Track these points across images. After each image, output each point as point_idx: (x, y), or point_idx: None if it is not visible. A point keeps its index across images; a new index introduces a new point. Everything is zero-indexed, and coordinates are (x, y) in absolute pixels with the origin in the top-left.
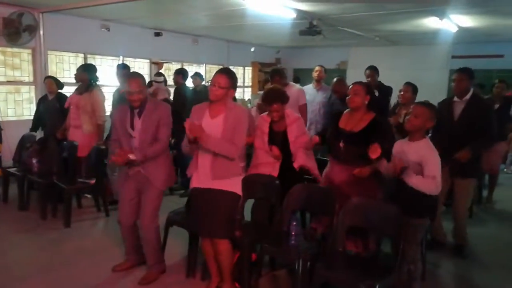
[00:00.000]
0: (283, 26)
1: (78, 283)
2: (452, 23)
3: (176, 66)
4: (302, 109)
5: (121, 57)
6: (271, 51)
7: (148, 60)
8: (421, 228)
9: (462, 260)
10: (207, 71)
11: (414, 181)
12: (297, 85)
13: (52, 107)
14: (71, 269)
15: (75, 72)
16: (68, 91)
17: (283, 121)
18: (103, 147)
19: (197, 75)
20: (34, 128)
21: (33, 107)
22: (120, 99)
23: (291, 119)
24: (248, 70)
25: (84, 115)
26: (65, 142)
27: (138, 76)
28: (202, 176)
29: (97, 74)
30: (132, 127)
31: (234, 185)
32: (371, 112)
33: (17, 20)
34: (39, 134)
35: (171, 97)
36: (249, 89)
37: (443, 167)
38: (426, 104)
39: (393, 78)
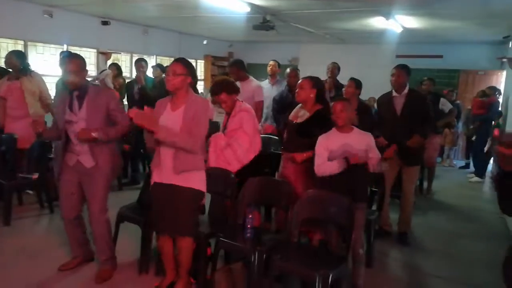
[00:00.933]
0: (237, 20)
1: (20, 285)
2: (397, 23)
3: (124, 56)
4: (258, 106)
5: (65, 46)
6: (224, 45)
7: (95, 50)
8: (364, 212)
9: (407, 247)
10: (158, 62)
11: (375, 161)
12: (256, 81)
13: None
14: (11, 270)
15: (4, 59)
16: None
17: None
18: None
19: (158, 66)
20: None
21: None
22: (64, 88)
23: (236, 110)
24: (201, 63)
25: (30, 98)
26: (2, 135)
27: (76, 57)
28: (164, 170)
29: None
30: (73, 111)
31: (197, 181)
32: (319, 104)
33: None
34: None
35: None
36: (202, 83)
37: (391, 159)
38: (343, 99)
39: (342, 75)
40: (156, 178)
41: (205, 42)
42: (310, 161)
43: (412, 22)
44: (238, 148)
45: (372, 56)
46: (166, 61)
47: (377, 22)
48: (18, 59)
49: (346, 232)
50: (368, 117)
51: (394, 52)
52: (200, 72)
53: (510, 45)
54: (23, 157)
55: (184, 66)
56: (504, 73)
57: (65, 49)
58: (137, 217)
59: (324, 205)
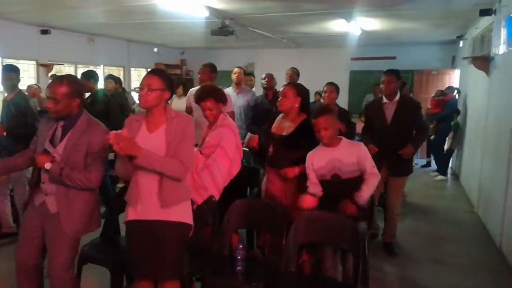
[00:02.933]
0: (192, 26)
1: None
2: (357, 26)
3: (68, 68)
4: (230, 116)
5: (0, 58)
6: (176, 52)
7: (34, 62)
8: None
9: (395, 258)
10: (106, 73)
11: (366, 193)
12: (226, 89)
13: None
14: None
15: None
16: None
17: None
18: None
19: (111, 78)
20: None
21: None
22: (6, 108)
23: (217, 124)
24: None
25: None
26: None
27: (61, 82)
28: (143, 205)
29: None
30: (53, 144)
31: (184, 213)
32: (303, 114)
33: None
34: None
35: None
36: None
37: (379, 169)
38: (326, 112)
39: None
40: (132, 215)
41: (155, 49)
42: (301, 177)
43: (371, 24)
44: (217, 172)
45: (328, 59)
46: (115, 71)
47: (337, 25)
48: None
49: (353, 256)
50: (349, 127)
51: (349, 55)
52: None
53: (461, 44)
54: None
55: (161, 79)
56: (457, 71)
57: (0, 62)
58: (104, 257)
59: (323, 227)
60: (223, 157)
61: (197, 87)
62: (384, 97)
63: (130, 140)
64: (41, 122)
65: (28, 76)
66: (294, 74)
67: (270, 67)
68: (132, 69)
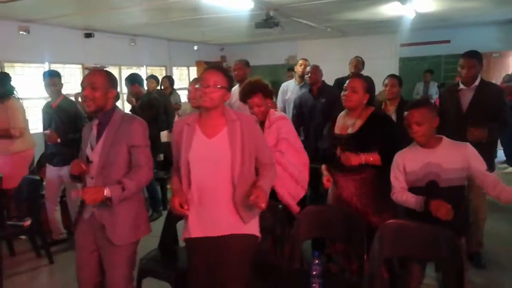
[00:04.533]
0: (235, 19)
1: None
2: (411, 8)
3: (112, 70)
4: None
5: (46, 64)
6: (215, 49)
7: (80, 66)
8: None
9: (483, 270)
10: (148, 73)
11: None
12: (286, 82)
13: None
14: None
15: None
16: None
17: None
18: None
19: (152, 77)
20: None
21: None
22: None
23: (271, 119)
24: (193, 70)
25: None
26: None
27: (100, 71)
28: (214, 220)
29: (12, 84)
30: (92, 147)
31: (254, 223)
32: (369, 107)
33: None
34: None
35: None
36: None
37: None
38: (422, 104)
39: (343, 69)
40: (195, 230)
41: (195, 47)
42: (379, 178)
43: (426, 5)
44: (294, 169)
45: (375, 47)
46: (157, 71)
47: (390, 8)
48: None
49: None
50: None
51: (398, 41)
52: None
53: None
54: (9, 199)
55: (225, 77)
56: None
57: (46, 68)
58: (165, 272)
59: (414, 240)
60: (291, 150)
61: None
62: (460, 83)
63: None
64: (83, 131)
65: (74, 80)
66: (359, 63)
67: (314, 59)
68: (174, 68)
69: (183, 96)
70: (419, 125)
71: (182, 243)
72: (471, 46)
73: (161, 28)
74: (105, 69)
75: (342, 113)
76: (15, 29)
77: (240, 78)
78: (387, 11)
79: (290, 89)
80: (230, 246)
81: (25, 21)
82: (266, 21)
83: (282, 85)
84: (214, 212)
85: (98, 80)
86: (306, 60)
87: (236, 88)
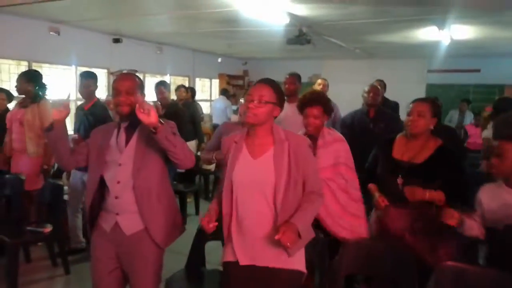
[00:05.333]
0: (264, 34)
1: None
2: (448, 34)
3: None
4: None
5: (73, 66)
6: (238, 63)
7: (105, 70)
8: None
9: None
10: (172, 83)
11: None
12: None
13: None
14: None
15: (16, 83)
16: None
17: (315, 142)
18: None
19: (183, 87)
20: None
21: None
22: (83, 118)
23: (326, 139)
24: (215, 82)
25: (30, 133)
26: (7, 176)
27: (132, 75)
28: (256, 247)
29: (44, 83)
30: (118, 149)
31: (299, 258)
32: (436, 138)
33: None
34: None
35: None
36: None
37: None
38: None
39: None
40: (238, 255)
41: (219, 60)
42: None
43: (463, 32)
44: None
45: (401, 71)
46: (180, 81)
47: (426, 33)
48: (28, 82)
49: None
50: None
51: (426, 67)
52: (215, 92)
53: None
54: (30, 202)
55: (275, 91)
56: None
57: (73, 70)
58: None
59: (475, 286)
60: (353, 177)
61: None
62: None
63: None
64: (92, 134)
65: (100, 84)
66: (381, 87)
67: (338, 79)
68: (197, 78)
69: (205, 108)
70: (504, 158)
71: (210, 266)
72: (501, 76)
73: (188, 38)
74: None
75: (401, 136)
76: (46, 30)
77: (291, 93)
78: (421, 35)
79: None
80: (275, 281)
81: (56, 22)
82: (299, 37)
83: None
84: (256, 239)
85: (133, 84)
86: (325, 80)
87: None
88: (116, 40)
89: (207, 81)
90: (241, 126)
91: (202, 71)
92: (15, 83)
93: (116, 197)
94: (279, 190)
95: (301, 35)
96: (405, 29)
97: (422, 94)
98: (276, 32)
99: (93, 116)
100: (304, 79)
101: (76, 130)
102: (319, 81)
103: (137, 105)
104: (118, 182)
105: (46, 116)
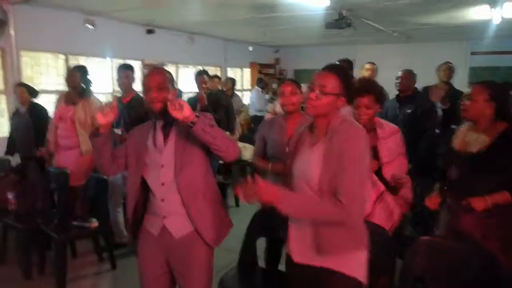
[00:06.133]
0: (304, 19)
1: None
2: (499, 13)
3: (170, 68)
4: None
5: (108, 58)
6: (269, 51)
7: (140, 62)
8: None
9: None
10: None
11: None
12: None
13: (23, 123)
14: None
15: (65, 75)
16: (46, 100)
17: (373, 133)
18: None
19: (216, 77)
20: (9, 151)
21: (5, 122)
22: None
23: (386, 130)
24: (247, 72)
25: (83, 131)
26: (51, 169)
27: (162, 70)
28: (302, 245)
29: (89, 79)
30: (157, 149)
31: (355, 264)
32: (501, 122)
33: None
34: (15, 159)
35: None
36: (248, 93)
37: None
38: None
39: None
40: (296, 255)
41: (250, 48)
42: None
43: None
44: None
45: (441, 55)
46: (211, 72)
47: (476, 12)
48: (80, 78)
49: None
50: None
51: (468, 49)
52: (247, 81)
53: None
54: (75, 197)
55: (340, 79)
56: None
57: (108, 62)
58: None
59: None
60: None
61: None
62: None
63: (264, 187)
64: (129, 136)
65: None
66: (448, 70)
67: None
68: (228, 68)
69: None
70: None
71: (261, 263)
72: None
73: (220, 26)
74: (164, 67)
75: (465, 125)
76: (81, 22)
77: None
78: (469, 15)
79: None
80: (322, 282)
81: (91, 13)
82: (338, 21)
83: None
84: (305, 233)
85: (163, 79)
86: (373, 64)
87: None
88: (150, 31)
89: (238, 70)
90: (281, 116)
91: (233, 60)
92: (63, 77)
93: (162, 200)
94: (321, 186)
95: (341, 18)
96: (452, 9)
97: (465, 78)
98: (314, 16)
99: (132, 110)
100: None
101: (117, 124)
102: (367, 65)
103: (168, 102)
104: (163, 184)
105: (94, 113)
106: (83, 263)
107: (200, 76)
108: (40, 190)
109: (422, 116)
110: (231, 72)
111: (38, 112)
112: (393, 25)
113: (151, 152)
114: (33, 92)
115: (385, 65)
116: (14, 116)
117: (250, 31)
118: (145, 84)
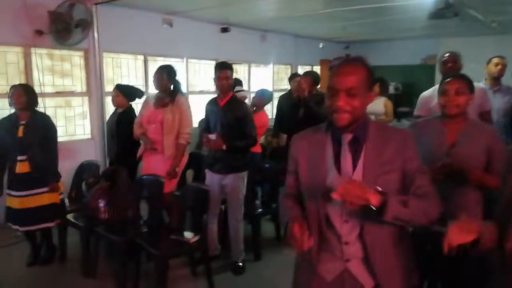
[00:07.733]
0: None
1: None
2: None
3: (242, 67)
4: (486, 118)
5: (184, 59)
6: (339, 47)
7: (214, 62)
8: None
9: None
10: (275, 72)
11: None
12: (478, 83)
13: (114, 127)
14: None
15: (154, 78)
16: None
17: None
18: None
19: (298, 76)
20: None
21: (87, 124)
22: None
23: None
24: (317, 70)
25: (169, 135)
26: (144, 177)
27: (359, 65)
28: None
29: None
30: (338, 170)
31: None
32: None
33: (67, 14)
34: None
35: None
36: None
37: None
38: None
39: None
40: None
41: (321, 45)
42: None
43: None
44: None
45: None
46: (282, 70)
47: None
48: (169, 78)
49: None
50: None
51: None
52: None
53: None
54: (166, 207)
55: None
56: None
57: (184, 63)
58: None
59: None
60: None
61: None
62: None
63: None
64: (296, 143)
65: (208, 77)
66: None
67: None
68: (299, 66)
69: None
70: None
71: None
72: None
73: (291, 22)
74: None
75: None
76: (159, 22)
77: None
78: None
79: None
80: None
81: (169, 13)
82: (445, 9)
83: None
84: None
85: (358, 81)
86: (503, 58)
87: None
88: (224, 30)
89: (308, 68)
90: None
91: (304, 58)
92: (152, 78)
93: (346, 243)
94: None
95: (448, 7)
96: None
97: None
98: (414, 6)
99: (232, 113)
100: (416, 61)
101: (213, 128)
102: (496, 60)
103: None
104: (346, 222)
105: (186, 115)
106: (176, 278)
107: (296, 78)
108: (132, 198)
109: None
110: (301, 70)
111: (127, 117)
112: (495, 14)
113: (331, 173)
114: (129, 95)
115: (475, 60)
116: (109, 119)
117: (322, 26)
118: (329, 83)
